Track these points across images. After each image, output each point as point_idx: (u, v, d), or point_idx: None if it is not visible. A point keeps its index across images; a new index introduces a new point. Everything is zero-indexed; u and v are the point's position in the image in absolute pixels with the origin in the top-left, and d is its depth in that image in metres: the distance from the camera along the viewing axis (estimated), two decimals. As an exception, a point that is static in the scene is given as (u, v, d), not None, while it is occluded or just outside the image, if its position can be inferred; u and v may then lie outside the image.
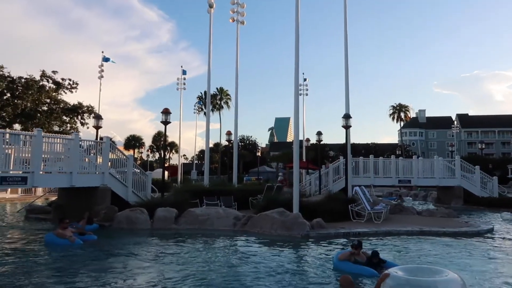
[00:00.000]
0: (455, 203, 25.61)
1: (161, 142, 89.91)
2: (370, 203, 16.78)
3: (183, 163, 55.33)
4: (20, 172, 13.23)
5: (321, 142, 27.38)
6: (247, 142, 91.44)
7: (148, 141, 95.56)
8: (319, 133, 26.17)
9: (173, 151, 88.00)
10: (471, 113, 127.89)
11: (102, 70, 32.86)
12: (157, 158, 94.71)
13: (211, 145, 28.73)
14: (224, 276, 8.19)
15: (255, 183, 34.34)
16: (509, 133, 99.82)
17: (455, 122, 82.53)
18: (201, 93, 64.44)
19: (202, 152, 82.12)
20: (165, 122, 19.44)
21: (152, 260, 9.70)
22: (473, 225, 15.92)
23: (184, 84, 39.85)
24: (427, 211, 20.10)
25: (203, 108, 59.92)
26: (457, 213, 19.24)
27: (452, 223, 16.09)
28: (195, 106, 54.17)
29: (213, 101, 61.83)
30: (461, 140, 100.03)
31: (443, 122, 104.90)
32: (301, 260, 10.04)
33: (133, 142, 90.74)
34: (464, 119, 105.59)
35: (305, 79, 39.45)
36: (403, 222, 16.14)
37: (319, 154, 28.34)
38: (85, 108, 38.05)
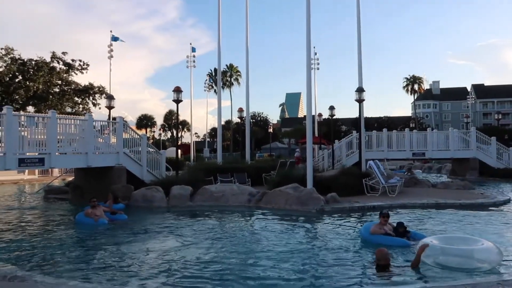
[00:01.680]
0: (470, 175, 25.38)
1: (172, 121, 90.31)
2: (384, 177, 16.71)
3: (195, 141, 55.57)
4: (37, 154, 13.45)
5: (333, 117, 27.13)
6: (258, 118, 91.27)
7: (159, 120, 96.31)
8: (331, 108, 25.87)
9: (185, 129, 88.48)
10: (487, 83, 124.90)
11: (112, 50, 32.70)
12: (169, 136, 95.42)
13: (222, 122, 28.67)
14: (249, 252, 8.20)
15: (267, 159, 34.36)
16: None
17: (470, 92, 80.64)
18: (210, 70, 64.14)
19: (213, 129, 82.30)
20: (177, 101, 19.41)
21: (173, 236, 9.90)
22: (489, 196, 15.80)
23: (194, 61, 39.54)
24: (442, 183, 19.97)
25: (213, 85, 59.73)
26: (473, 185, 19.08)
27: (468, 195, 15.98)
28: (205, 83, 53.86)
29: (223, 78, 61.42)
30: (476, 111, 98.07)
31: (458, 93, 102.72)
32: (327, 234, 9.86)
33: (145, 121, 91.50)
34: (479, 89, 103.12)
35: (315, 53, 38.86)
36: (418, 195, 16.08)
37: (332, 129, 28.14)
38: (96, 89, 38.18)
